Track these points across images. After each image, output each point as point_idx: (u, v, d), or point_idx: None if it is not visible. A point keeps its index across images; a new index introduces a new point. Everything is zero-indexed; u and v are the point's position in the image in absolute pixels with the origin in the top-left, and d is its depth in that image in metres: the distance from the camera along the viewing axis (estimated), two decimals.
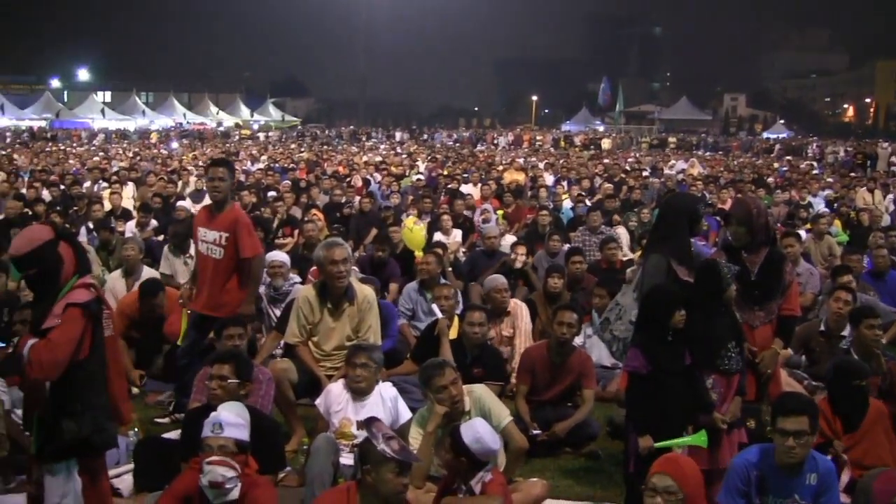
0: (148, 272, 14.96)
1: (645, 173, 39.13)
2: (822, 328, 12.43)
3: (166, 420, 11.27)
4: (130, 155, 50.90)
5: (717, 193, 28.37)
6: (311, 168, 39.77)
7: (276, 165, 41.31)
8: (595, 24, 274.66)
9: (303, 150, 61.92)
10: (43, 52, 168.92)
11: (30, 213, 21.36)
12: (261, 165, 41.94)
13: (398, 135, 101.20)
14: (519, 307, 13.49)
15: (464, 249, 20.12)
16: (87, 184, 29.55)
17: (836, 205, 27.66)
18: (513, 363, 12.40)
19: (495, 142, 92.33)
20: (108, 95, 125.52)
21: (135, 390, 12.05)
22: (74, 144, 71.54)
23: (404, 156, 53.44)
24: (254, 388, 9.15)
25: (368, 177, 34.56)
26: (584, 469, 10.25)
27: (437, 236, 19.63)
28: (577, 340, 11.97)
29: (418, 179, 33.64)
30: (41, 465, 6.81)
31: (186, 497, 7.13)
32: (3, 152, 52.80)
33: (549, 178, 35.83)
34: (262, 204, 23.64)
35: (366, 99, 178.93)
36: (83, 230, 19.74)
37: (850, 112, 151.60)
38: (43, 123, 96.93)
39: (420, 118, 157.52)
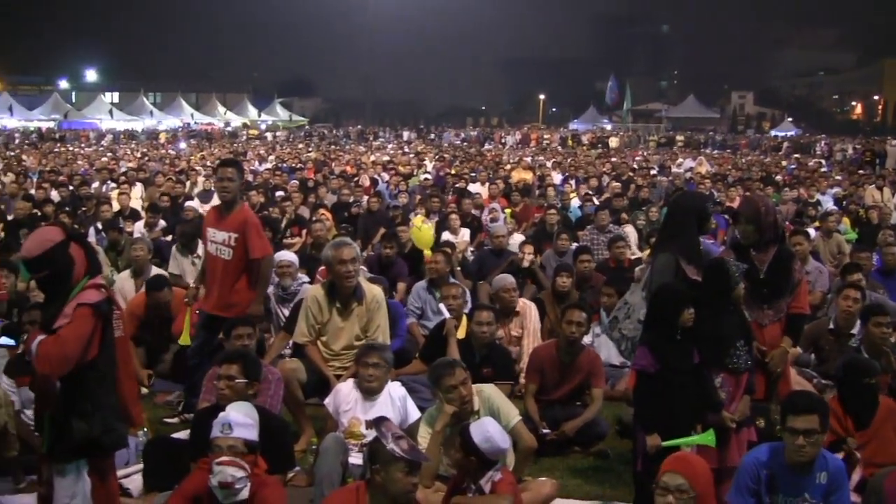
0: (156, 272, 14.95)
1: (653, 172, 39.07)
2: (832, 326, 12.40)
3: (175, 420, 11.28)
4: (139, 155, 50.99)
5: (726, 192, 28.28)
6: (318, 168, 39.82)
7: (284, 165, 41.39)
8: (602, 22, 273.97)
9: (310, 149, 62.02)
10: (51, 53, 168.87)
11: (39, 213, 21.44)
12: (269, 165, 42.08)
13: (406, 134, 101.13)
14: (527, 307, 13.48)
15: (472, 248, 20.10)
16: (96, 184, 29.64)
17: (844, 202, 27.68)
18: (521, 363, 12.42)
19: (503, 141, 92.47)
20: (115, 96, 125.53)
21: (144, 390, 12.07)
22: (83, 145, 71.70)
23: (412, 155, 53.42)
24: (263, 387, 9.16)
25: (376, 176, 34.59)
26: (593, 468, 10.24)
27: (446, 236, 19.61)
28: (586, 339, 11.94)
29: (426, 179, 33.64)
30: (51, 466, 6.82)
31: (196, 497, 7.14)
32: (12, 153, 52.95)
33: (556, 177, 35.78)
34: (270, 204, 23.65)
35: (373, 98, 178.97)
36: (92, 231, 19.76)
37: (859, 110, 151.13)
38: (51, 124, 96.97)
39: (428, 117, 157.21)
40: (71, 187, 27.32)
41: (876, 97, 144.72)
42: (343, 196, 24.72)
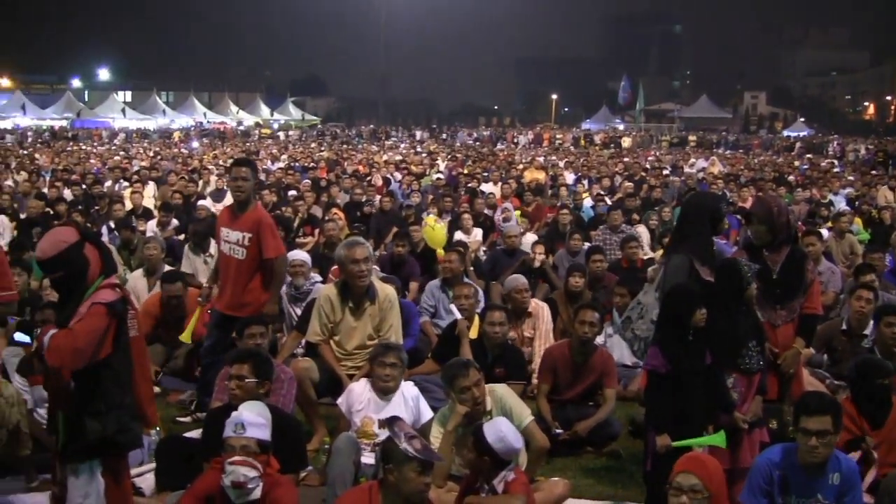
0: (169, 271, 14.97)
1: (665, 172, 39.06)
2: (845, 327, 12.39)
3: (188, 419, 11.29)
4: (151, 154, 51.04)
5: (738, 192, 28.26)
6: (331, 167, 39.82)
7: (297, 164, 41.41)
8: (615, 22, 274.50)
9: (323, 149, 62.13)
10: (63, 51, 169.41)
11: (51, 212, 21.47)
12: (281, 164, 42.08)
13: (418, 133, 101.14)
14: (540, 308, 13.47)
15: (484, 248, 20.11)
16: (109, 183, 29.64)
17: (857, 203, 27.62)
18: (533, 364, 12.41)
19: (515, 140, 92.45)
20: (128, 95, 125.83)
21: (156, 389, 12.09)
22: (95, 144, 71.71)
23: (424, 155, 53.43)
24: (275, 387, 9.17)
25: (389, 176, 34.59)
26: (606, 468, 10.23)
27: (458, 235, 19.64)
28: (598, 339, 11.94)
29: (438, 178, 33.62)
30: (65, 465, 6.83)
31: (208, 497, 7.15)
32: (25, 152, 53.04)
33: (569, 177, 35.82)
34: (282, 203, 23.68)
35: (386, 98, 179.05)
36: (104, 229, 19.80)
37: (871, 110, 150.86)
38: (64, 123, 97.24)
39: (440, 117, 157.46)
40: (83, 186, 27.33)
41: (889, 97, 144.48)
42: (355, 195, 24.72)
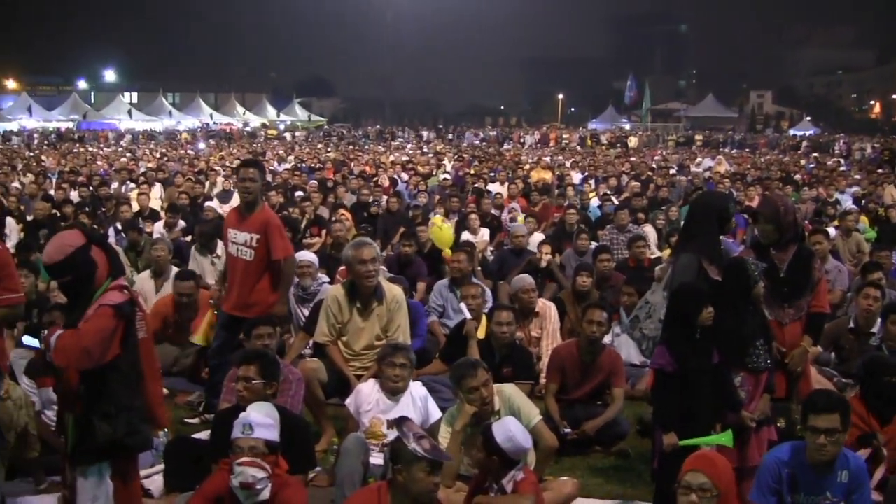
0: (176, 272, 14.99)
1: (672, 171, 39.15)
2: (852, 325, 12.40)
3: (196, 420, 11.30)
4: (158, 156, 51.11)
5: (745, 191, 28.21)
6: (337, 168, 39.87)
7: (303, 165, 41.53)
8: (620, 21, 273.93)
9: (329, 149, 62.22)
10: (69, 53, 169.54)
11: (58, 214, 21.51)
12: (288, 165, 42.16)
13: (425, 134, 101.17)
14: (547, 308, 13.46)
15: (491, 248, 20.11)
16: (115, 185, 29.74)
17: (863, 201, 27.65)
18: (540, 364, 12.41)
19: (522, 140, 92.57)
20: (134, 96, 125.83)
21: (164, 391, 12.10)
22: (102, 145, 71.89)
23: (431, 155, 53.47)
24: (283, 388, 9.18)
25: (395, 176, 34.59)
26: (614, 468, 10.23)
27: (465, 235, 19.67)
28: (606, 339, 11.96)
29: (445, 179, 33.65)
30: (74, 468, 6.83)
31: (217, 498, 7.16)
32: (32, 153, 53.12)
33: (576, 177, 35.85)
34: (289, 204, 23.65)
35: (392, 98, 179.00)
36: (111, 231, 19.80)
37: (877, 108, 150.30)
38: (70, 125, 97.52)
39: (446, 117, 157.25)
40: (90, 188, 27.33)
41: (894, 96, 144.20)
42: (362, 196, 24.71)
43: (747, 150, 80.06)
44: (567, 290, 14.73)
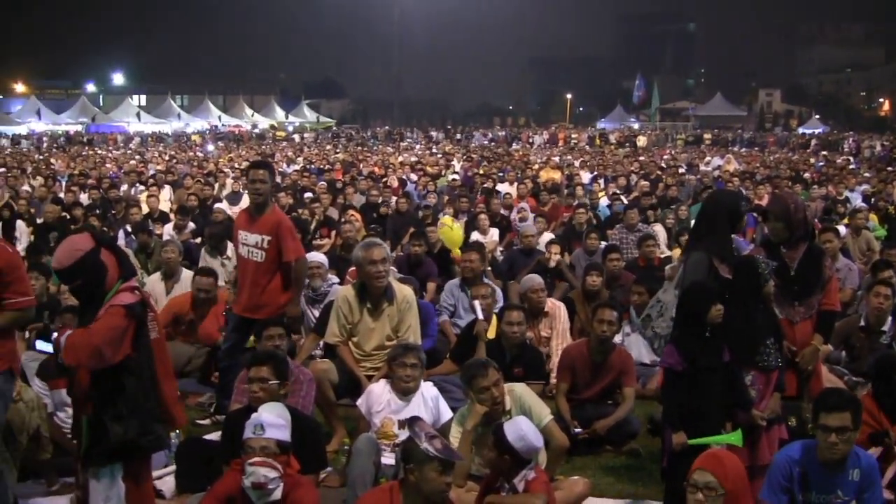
0: (187, 274, 15.02)
1: (681, 170, 39.14)
2: (863, 323, 12.38)
3: (207, 421, 11.31)
4: (167, 158, 51.15)
5: (754, 189, 28.23)
6: (346, 169, 39.88)
7: (312, 167, 41.54)
8: (629, 21, 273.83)
9: (338, 151, 62.27)
10: (78, 56, 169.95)
11: (68, 216, 21.56)
12: (297, 167, 42.09)
13: (434, 134, 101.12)
14: (557, 307, 13.46)
15: (501, 248, 20.12)
16: (125, 187, 29.75)
17: (873, 199, 27.55)
18: (551, 364, 12.42)
19: (530, 140, 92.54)
20: (143, 99, 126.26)
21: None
22: (111, 148, 71.97)
23: (440, 156, 53.47)
24: (295, 388, 9.20)
25: (404, 177, 34.61)
26: (625, 467, 10.24)
27: (475, 236, 19.70)
28: (616, 338, 11.96)
29: (454, 179, 33.64)
30: (86, 469, 6.85)
31: (229, 498, 7.17)
32: (41, 157, 53.20)
33: (585, 176, 35.90)
34: (298, 205, 23.67)
35: (400, 99, 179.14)
36: (121, 233, 19.84)
37: (886, 106, 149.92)
38: (79, 128, 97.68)
39: (455, 117, 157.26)
40: (100, 190, 27.39)
41: None
42: (372, 197, 24.70)
43: (756, 148, 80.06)
44: (577, 290, 14.73)
